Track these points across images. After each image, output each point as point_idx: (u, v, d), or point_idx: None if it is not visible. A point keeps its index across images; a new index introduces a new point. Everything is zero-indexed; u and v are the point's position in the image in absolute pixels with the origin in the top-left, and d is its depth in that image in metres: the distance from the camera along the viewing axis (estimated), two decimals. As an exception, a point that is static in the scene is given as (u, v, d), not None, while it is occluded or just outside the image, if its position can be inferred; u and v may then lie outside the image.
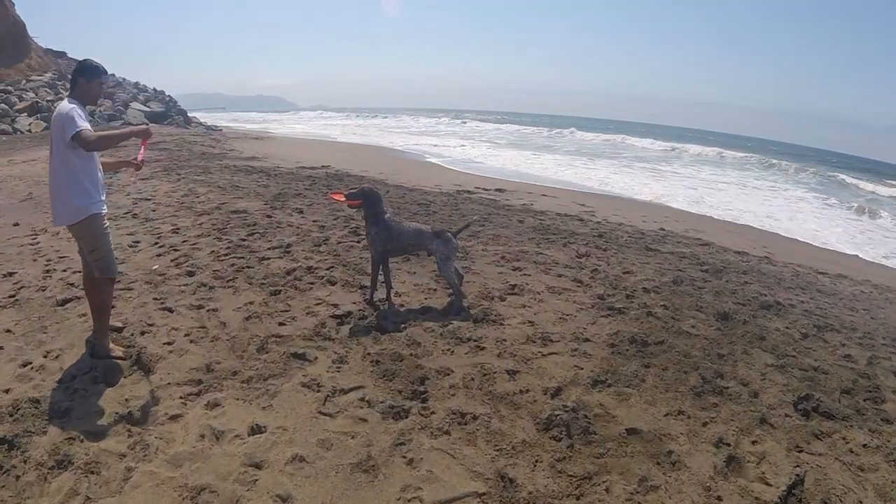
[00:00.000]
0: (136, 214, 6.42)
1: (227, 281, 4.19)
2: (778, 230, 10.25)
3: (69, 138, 2.65)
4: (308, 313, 3.65)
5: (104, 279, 3.00)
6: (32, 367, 2.93)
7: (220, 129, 25.43)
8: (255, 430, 2.40)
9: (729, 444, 2.57)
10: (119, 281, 4.12)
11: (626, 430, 2.56)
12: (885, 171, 33.93)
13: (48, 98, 20.24)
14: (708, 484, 2.27)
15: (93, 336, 3.12)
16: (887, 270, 8.25)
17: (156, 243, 5.21)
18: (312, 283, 4.20)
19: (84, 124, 2.68)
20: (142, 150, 3.23)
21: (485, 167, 15.68)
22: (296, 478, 2.14)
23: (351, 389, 2.73)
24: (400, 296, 4.07)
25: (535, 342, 3.39)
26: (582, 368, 3.09)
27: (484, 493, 2.10)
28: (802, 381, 3.29)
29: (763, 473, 2.40)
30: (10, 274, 4.32)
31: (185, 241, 5.26)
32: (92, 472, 2.17)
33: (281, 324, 3.48)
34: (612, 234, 7.20)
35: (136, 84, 29.59)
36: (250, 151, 14.96)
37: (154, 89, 29.66)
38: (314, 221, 6.29)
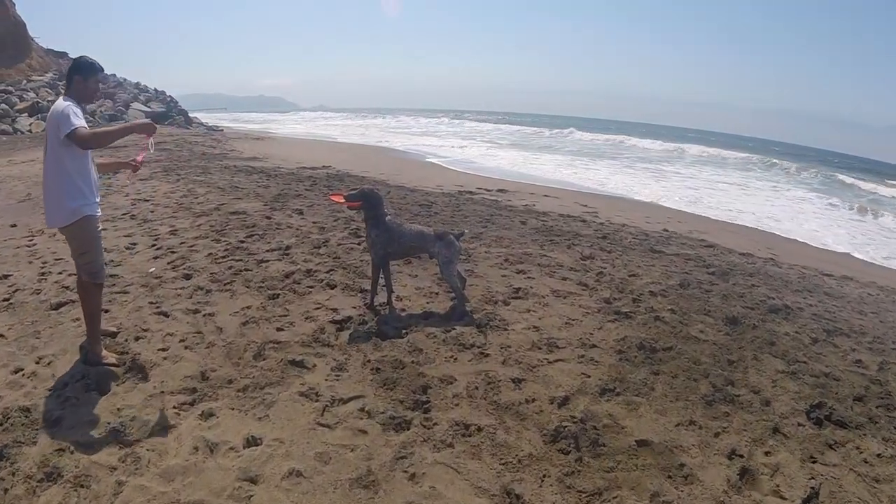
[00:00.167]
0: (133, 215, 6.34)
1: (225, 284, 4.10)
2: (781, 231, 10.16)
3: (63, 136, 2.57)
4: (307, 318, 3.56)
5: (91, 284, 2.91)
6: (24, 374, 2.86)
7: (221, 130, 25.41)
8: (251, 442, 2.31)
9: (742, 456, 2.49)
10: (115, 284, 4.06)
11: (636, 441, 2.47)
12: (887, 172, 33.81)
13: (49, 98, 20.18)
14: (722, 499, 2.19)
15: (86, 342, 3.04)
16: (892, 272, 8.14)
17: (153, 245, 5.13)
18: (311, 287, 4.11)
19: (79, 122, 2.60)
20: (141, 154, 3.15)
21: (486, 167, 15.59)
22: (292, 494, 2.05)
23: (350, 399, 2.63)
24: (401, 300, 3.98)
25: (540, 348, 3.29)
26: (589, 376, 2.99)
27: (489, 511, 2.01)
28: (814, 389, 3.21)
29: (777, 486, 2.33)
30: (5, 276, 4.24)
31: (182, 243, 5.18)
32: (82, 486, 2.10)
33: (279, 329, 3.39)
34: (616, 235, 7.10)
35: (137, 84, 29.56)
36: (251, 152, 14.90)
37: (155, 89, 29.62)
38: (314, 223, 6.20)
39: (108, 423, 2.47)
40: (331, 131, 31.06)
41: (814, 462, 2.51)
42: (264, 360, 3.00)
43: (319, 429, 2.40)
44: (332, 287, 4.14)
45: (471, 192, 9.79)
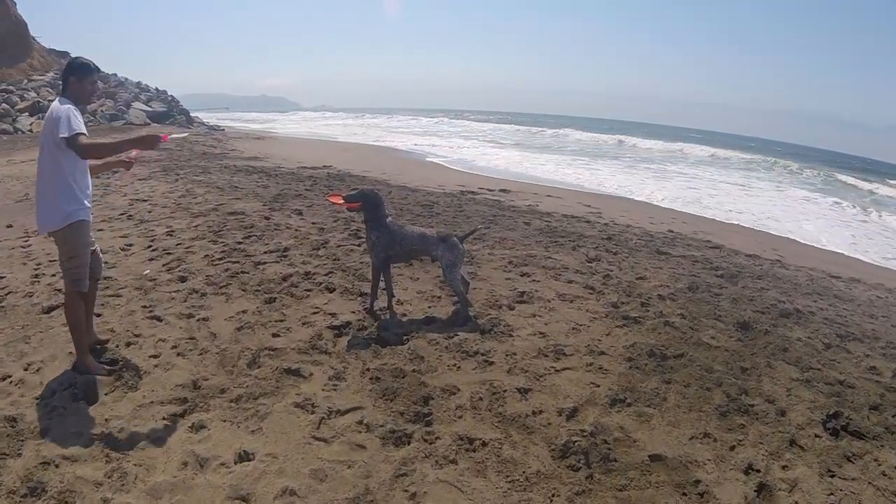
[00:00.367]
0: (131, 216, 6.25)
1: (220, 287, 3.99)
2: (785, 231, 10.05)
3: (60, 137, 2.51)
4: (304, 323, 3.44)
5: (73, 292, 2.81)
6: (12, 381, 2.76)
7: (223, 129, 25.35)
8: (243, 457, 2.19)
9: (759, 471, 2.38)
10: (108, 287, 3.96)
11: (648, 456, 2.34)
12: (889, 172, 33.60)
13: (50, 98, 20.13)
14: (739, 517, 2.06)
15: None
16: (899, 274, 8.01)
17: (149, 246, 5.03)
18: (309, 291, 3.99)
19: (80, 127, 2.55)
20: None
21: (488, 167, 15.47)
22: (285, 515, 1.93)
23: (348, 411, 2.50)
24: (402, 304, 3.85)
25: (547, 356, 3.16)
26: (598, 386, 2.86)
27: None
28: (829, 397, 3.11)
29: (796, 503, 2.20)
30: (-1, 278, 4.15)
31: (179, 244, 5.08)
32: (66, 503, 1.99)
33: (275, 335, 3.27)
34: (621, 236, 6.98)
35: (139, 84, 29.50)
36: (252, 151, 14.82)
37: (156, 89, 29.58)
38: (313, 223, 6.09)
39: (96, 435, 2.37)
40: (332, 131, 30.98)
41: (832, 476, 2.41)
42: (259, 368, 2.88)
43: (315, 443, 2.27)
44: (331, 290, 4.02)
45: (473, 193, 9.67)
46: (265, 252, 4.89)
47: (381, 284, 3.71)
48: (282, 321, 3.46)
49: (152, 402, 2.59)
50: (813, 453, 2.56)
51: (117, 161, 3.29)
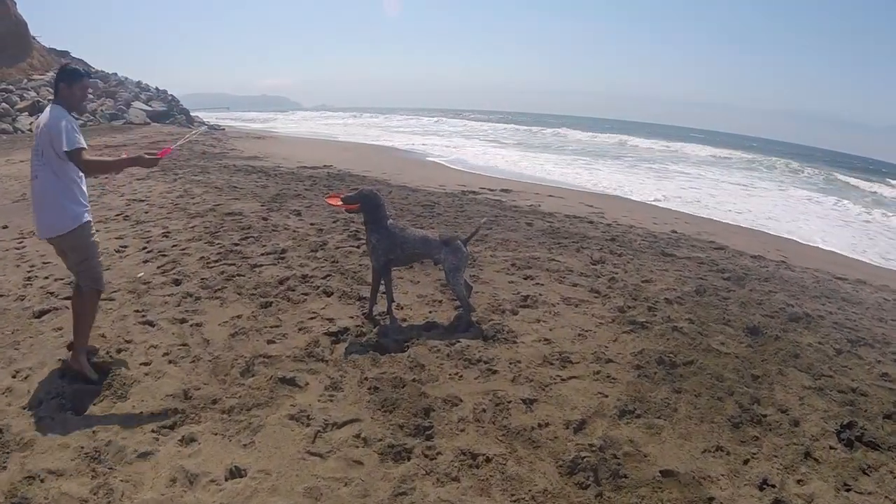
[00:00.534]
0: (127, 216, 6.15)
1: (215, 291, 3.88)
2: (787, 232, 9.93)
3: (62, 151, 2.57)
4: (300, 329, 3.33)
5: (93, 292, 2.86)
6: (-1, 390, 2.66)
7: (223, 129, 25.22)
8: (234, 473, 2.08)
9: (774, 486, 2.28)
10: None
11: (660, 472, 2.24)
12: (889, 172, 33.42)
13: (49, 97, 20.06)
14: (757, 538, 1.96)
15: (68, 355, 2.89)
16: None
17: (144, 248, 4.93)
18: (307, 294, 3.88)
19: (81, 141, 2.63)
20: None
21: (488, 167, 15.35)
22: (278, 536, 1.82)
23: (345, 423, 2.39)
24: (402, 308, 3.74)
25: (552, 364, 3.05)
26: (607, 396, 2.75)
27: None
28: (843, 406, 3.01)
29: (813, 520, 2.11)
30: (-11, 281, 4.05)
31: (174, 246, 4.97)
32: (49, 521, 1.89)
33: (270, 341, 3.16)
34: (625, 237, 6.86)
35: (139, 83, 29.39)
36: (251, 151, 14.71)
37: (157, 88, 29.47)
38: (312, 224, 5.97)
39: (82, 448, 2.29)
40: (332, 130, 30.85)
41: (848, 490, 2.32)
42: (252, 376, 2.77)
43: (310, 458, 2.16)
44: (329, 294, 3.91)
45: (474, 192, 9.55)
46: (262, 254, 4.78)
47: (381, 288, 3.60)
48: (277, 327, 3.36)
49: (141, 412, 2.49)
50: (828, 466, 2.47)
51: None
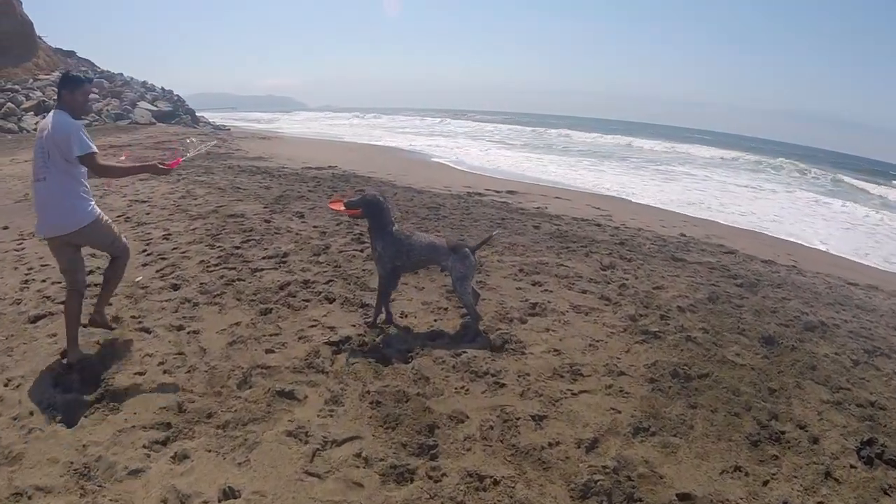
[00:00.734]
0: (128, 217, 6.08)
1: (214, 296, 3.78)
2: (795, 235, 9.77)
3: (74, 156, 2.71)
4: (300, 338, 3.21)
5: (125, 256, 3.18)
6: (-10, 399, 2.58)
7: (228, 129, 25.22)
8: (227, 494, 1.97)
9: (795, 510, 2.15)
10: (98, 294, 3.75)
11: (677, 495, 2.12)
12: (892, 173, 32.96)
13: (55, 97, 20.11)
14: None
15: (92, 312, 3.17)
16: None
17: (143, 251, 4.84)
18: (308, 301, 3.77)
19: (93, 146, 2.77)
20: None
21: (494, 168, 15.22)
22: (272, 566, 1.71)
23: (345, 441, 2.28)
24: (406, 316, 3.62)
25: (563, 377, 2.92)
26: (620, 412, 2.62)
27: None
28: (862, 421, 2.89)
29: (837, 547, 1.99)
30: (-14, 284, 3.97)
31: (175, 249, 4.89)
32: (35, 541, 1.80)
33: (268, 351, 3.05)
34: (634, 241, 6.72)
35: (144, 83, 29.42)
36: (256, 151, 14.65)
37: (162, 88, 29.49)
38: (315, 227, 5.87)
39: (72, 464, 2.20)
40: (337, 131, 30.80)
41: (869, 511, 2.18)
42: (250, 388, 2.66)
43: (308, 479, 2.04)
44: (331, 301, 3.80)
45: (479, 194, 9.43)
46: (263, 258, 4.68)
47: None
48: (277, 335, 3.25)
49: (134, 426, 2.39)
50: (849, 487, 2.36)
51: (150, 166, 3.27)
